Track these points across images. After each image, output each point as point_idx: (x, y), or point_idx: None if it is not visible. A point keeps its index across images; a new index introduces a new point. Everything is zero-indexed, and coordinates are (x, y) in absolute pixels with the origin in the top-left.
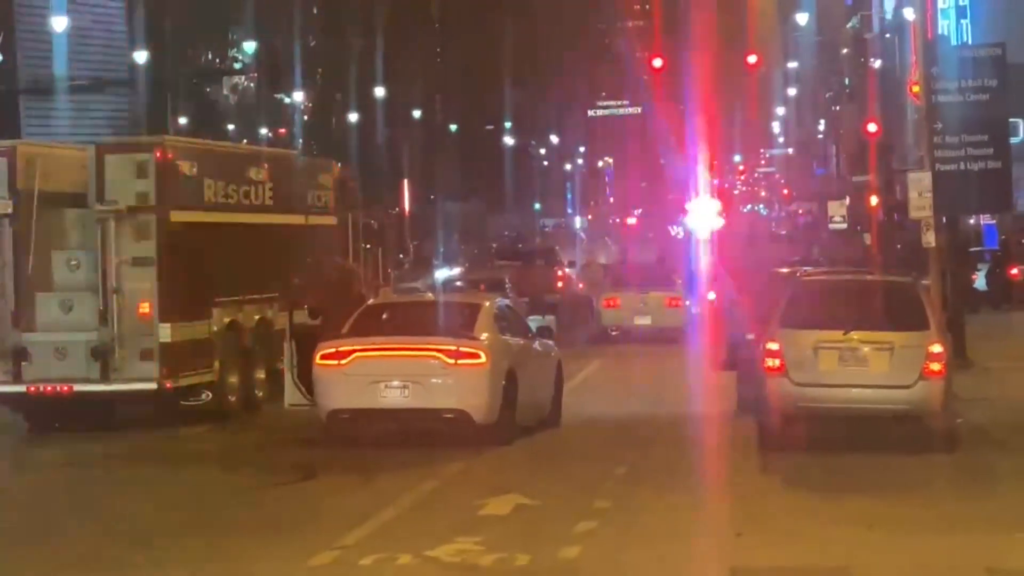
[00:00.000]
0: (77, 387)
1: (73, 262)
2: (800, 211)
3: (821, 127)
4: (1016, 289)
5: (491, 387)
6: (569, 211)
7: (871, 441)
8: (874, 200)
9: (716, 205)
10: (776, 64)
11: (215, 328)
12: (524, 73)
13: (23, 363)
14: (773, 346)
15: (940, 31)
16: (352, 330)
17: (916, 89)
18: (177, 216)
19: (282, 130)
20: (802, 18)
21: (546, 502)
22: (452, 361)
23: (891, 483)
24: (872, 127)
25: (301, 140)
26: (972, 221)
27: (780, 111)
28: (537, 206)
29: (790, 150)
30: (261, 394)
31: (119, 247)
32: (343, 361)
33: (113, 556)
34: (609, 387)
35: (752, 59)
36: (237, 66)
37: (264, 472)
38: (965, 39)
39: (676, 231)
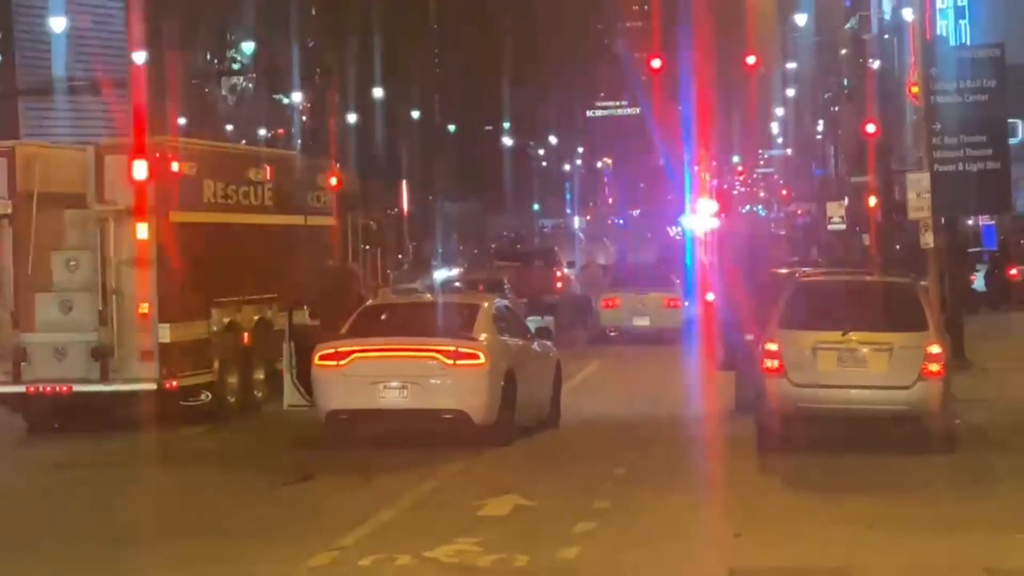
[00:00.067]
0: (76, 387)
1: (72, 262)
2: (799, 212)
3: (820, 128)
4: (1015, 290)
5: (490, 388)
6: (568, 211)
7: (870, 442)
8: (873, 201)
9: (713, 206)
10: (775, 65)
11: (214, 328)
12: (523, 74)
13: (22, 363)
14: (772, 347)
15: (939, 32)
16: (351, 331)
17: (915, 90)
18: (176, 217)
19: (280, 131)
20: (801, 19)
21: (545, 502)
22: (451, 362)
23: (890, 483)
24: (871, 128)
25: (300, 141)
26: (971, 222)
27: (779, 112)
28: (536, 207)
29: (789, 151)
30: (260, 395)
31: (118, 247)
32: (342, 362)
33: (112, 557)
34: (608, 387)
35: (751, 60)
36: (236, 67)
37: (263, 472)
38: (964, 40)
39: (675, 231)
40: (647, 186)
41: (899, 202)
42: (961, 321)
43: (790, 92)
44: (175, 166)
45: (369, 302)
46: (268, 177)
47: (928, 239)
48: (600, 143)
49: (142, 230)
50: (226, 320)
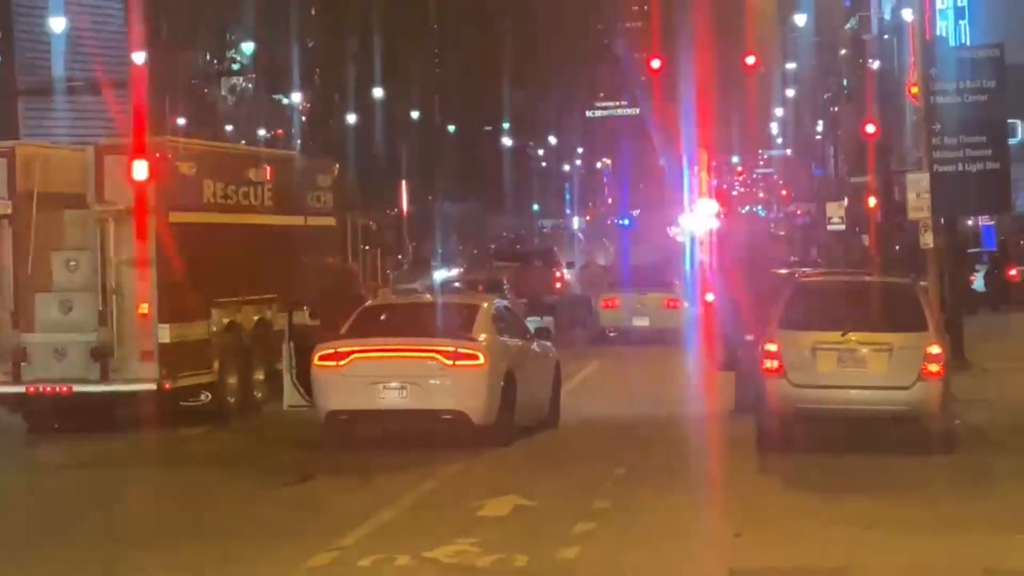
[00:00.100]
0: (76, 388)
1: (72, 263)
2: (798, 212)
3: (819, 128)
4: (1014, 290)
5: (489, 388)
6: (567, 212)
7: (869, 442)
8: (872, 201)
9: (714, 206)
10: (774, 65)
11: (214, 329)
12: (523, 74)
13: (22, 363)
14: (772, 347)
15: (939, 32)
16: (350, 331)
17: (915, 90)
18: (176, 217)
19: (280, 131)
20: (800, 19)
21: (545, 503)
22: (450, 362)
23: (890, 484)
24: (870, 128)
25: (299, 141)
26: (970, 222)
27: (778, 112)
28: (535, 207)
29: (788, 151)
30: (260, 395)
31: (118, 248)
32: (341, 362)
33: (112, 557)
34: (607, 388)
35: (750, 60)
36: (235, 67)
37: (263, 473)
38: (963, 40)
39: (674, 232)
40: (646, 187)
41: (899, 202)
42: (960, 321)
43: (790, 92)
44: (175, 166)
45: (369, 302)
46: (268, 177)
47: (928, 239)
48: (599, 143)
49: (142, 230)
50: (226, 320)
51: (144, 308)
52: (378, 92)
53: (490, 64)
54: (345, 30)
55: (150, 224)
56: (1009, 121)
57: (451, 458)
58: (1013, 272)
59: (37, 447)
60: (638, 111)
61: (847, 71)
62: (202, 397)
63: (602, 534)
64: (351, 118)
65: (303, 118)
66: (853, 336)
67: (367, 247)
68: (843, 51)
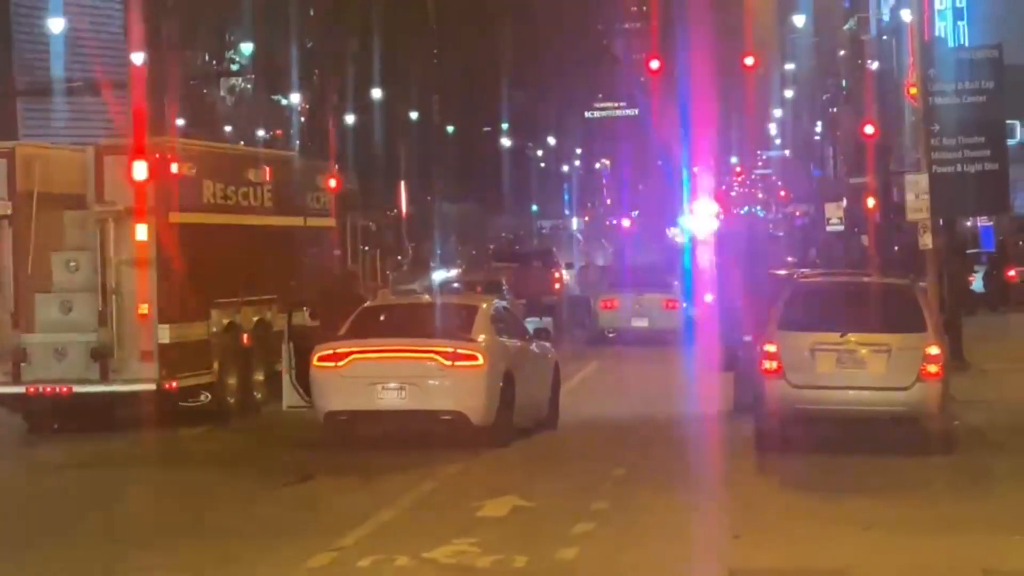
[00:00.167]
0: (76, 388)
1: (72, 263)
2: (797, 213)
3: (818, 129)
4: (1013, 291)
5: (488, 389)
6: (566, 213)
7: (869, 443)
8: (871, 202)
9: (714, 207)
10: (773, 66)
11: (214, 329)
12: (522, 75)
13: (22, 364)
14: (770, 348)
15: (937, 33)
16: (349, 332)
17: (913, 91)
18: (176, 217)
19: (279, 131)
20: (799, 20)
21: (544, 503)
22: (449, 363)
23: (889, 484)
24: (869, 129)
25: (298, 141)
26: (969, 223)
27: (777, 113)
28: (534, 208)
29: (787, 152)
30: (260, 395)
31: (118, 248)
32: (340, 363)
33: (112, 557)
34: (606, 388)
35: (749, 61)
36: (234, 68)
37: (263, 473)
38: (962, 41)
39: (673, 232)
40: (645, 187)
41: (897, 203)
42: (959, 322)
43: (788, 93)
44: (174, 167)
45: (368, 303)
46: (267, 178)
47: (927, 240)
48: (598, 144)
49: (142, 231)
50: (226, 321)
51: (144, 308)
52: (377, 93)
53: (489, 65)
54: (345, 30)
55: (150, 225)
56: (1008, 122)
57: (450, 458)
58: (1012, 273)
59: (37, 447)
60: (637, 112)
61: (846, 72)
62: (202, 397)
63: (601, 535)
64: (350, 118)
65: (302, 118)
66: (852, 337)
67: (366, 248)
68: (842, 52)
